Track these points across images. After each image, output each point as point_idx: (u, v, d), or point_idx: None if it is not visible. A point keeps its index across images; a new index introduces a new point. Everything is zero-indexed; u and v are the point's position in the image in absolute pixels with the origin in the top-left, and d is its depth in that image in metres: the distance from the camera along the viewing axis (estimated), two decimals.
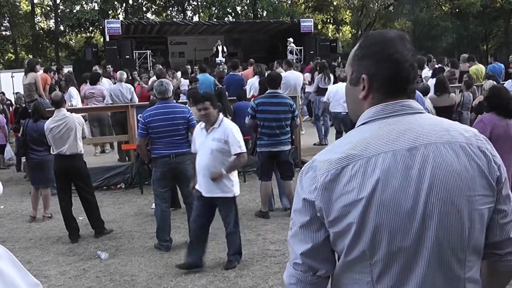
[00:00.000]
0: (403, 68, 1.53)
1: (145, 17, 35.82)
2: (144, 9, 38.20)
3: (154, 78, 12.57)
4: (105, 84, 12.22)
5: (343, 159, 1.48)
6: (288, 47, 22.41)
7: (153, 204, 6.77)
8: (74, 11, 32.50)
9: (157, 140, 5.96)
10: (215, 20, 31.30)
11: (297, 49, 23.21)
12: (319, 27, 38.15)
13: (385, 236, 1.43)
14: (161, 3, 38.37)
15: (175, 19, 35.52)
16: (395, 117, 1.52)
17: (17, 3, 34.99)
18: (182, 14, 38.56)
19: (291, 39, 22.54)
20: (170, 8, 39.57)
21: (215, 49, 21.75)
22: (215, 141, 5.24)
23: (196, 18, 37.56)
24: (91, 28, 35.97)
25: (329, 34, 39.99)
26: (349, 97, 1.69)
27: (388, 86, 1.55)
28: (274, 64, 14.22)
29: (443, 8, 38.28)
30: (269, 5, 33.11)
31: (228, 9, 35.02)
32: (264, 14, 35.63)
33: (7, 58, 37.95)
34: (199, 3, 37.46)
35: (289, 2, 37.43)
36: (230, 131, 5.27)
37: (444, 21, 34.68)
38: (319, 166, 1.52)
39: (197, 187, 5.45)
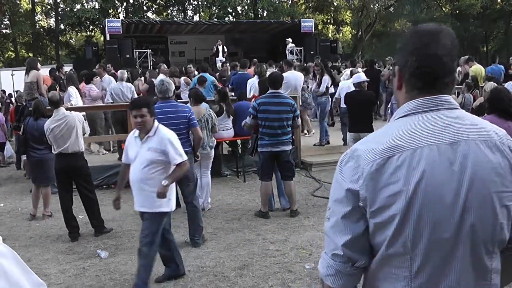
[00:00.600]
0: (432, 62, 1.56)
1: (145, 16, 35.83)
2: (145, 8, 38.23)
3: (162, 76, 12.56)
4: (105, 81, 12.19)
5: (389, 150, 1.50)
6: (288, 47, 22.42)
7: None
8: (75, 9, 32.53)
9: None
10: (215, 19, 31.34)
11: (297, 49, 23.22)
12: (320, 27, 38.18)
13: (427, 228, 1.46)
14: (162, 2, 38.40)
15: (175, 19, 35.60)
16: (436, 112, 1.56)
17: (18, 1, 35.00)
18: (182, 14, 38.60)
19: (289, 39, 22.55)
20: (171, 8, 39.61)
21: (215, 49, 21.76)
22: (151, 151, 4.76)
23: (196, 18, 37.62)
24: (91, 27, 36.00)
25: (329, 35, 40.02)
26: (393, 88, 1.75)
27: (416, 78, 1.59)
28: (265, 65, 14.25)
29: (444, 9, 38.30)
30: (270, 5, 33.14)
31: (228, 9, 35.07)
32: (265, 14, 35.67)
33: (7, 56, 37.98)
34: (200, 3, 37.52)
35: (290, 2, 37.45)
36: (167, 140, 4.80)
37: (444, 22, 34.70)
38: (364, 155, 1.54)
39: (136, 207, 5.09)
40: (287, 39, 22.61)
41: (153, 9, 39.13)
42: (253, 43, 27.92)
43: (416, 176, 1.46)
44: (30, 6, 35.58)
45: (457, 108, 1.59)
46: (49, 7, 37.68)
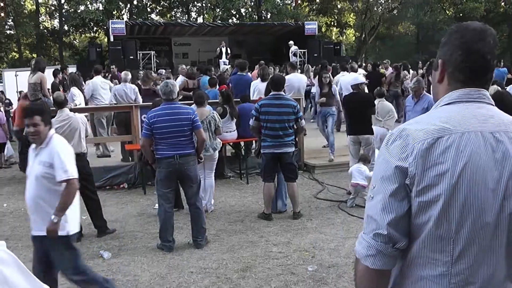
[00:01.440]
0: (475, 58, 1.62)
1: (149, 18, 35.84)
2: (149, 9, 38.25)
3: (181, 78, 12.53)
4: (94, 83, 12.01)
5: (439, 131, 1.55)
6: (291, 50, 22.43)
7: (156, 205, 6.78)
8: (79, 11, 32.60)
9: (161, 141, 5.97)
10: (219, 21, 31.34)
11: (300, 51, 23.23)
12: (323, 30, 38.15)
13: (472, 210, 1.50)
14: (166, 4, 38.42)
15: (179, 20, 35.59)
16: (479, 103, 1.62)
17: (22, 2, 35.10)
18: (186, 15, 38.65)
19: (291, 42, 22.55)
20: (175, 9, 39.65)
21: (219, 51, 21.78)
22: (41, 165, 4.09)
23: (200, 20, 37.64)
24: (95, 28, 36.05)
25: (333, 37, 40.00)
26: (433, 81, 1.81)
27: (459, 72, 1.64)
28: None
29: (447, 12, 38.28)
30: (274, 7, 33.16)
31: (232, 11, 35.10)
32: (269, 16, 35.67)
33: (11, 57, 38.06)
34: (204, 5, 37.53)
35: (294, 4, 37.46)
36: (56, 152, 4.08)
37: (447, 25, 34.67)
38: (413, 134, 1.57)
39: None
40: (289, 42, 22.61)
41: (157, 10, 39.16)
42: (257, 45, 27.94)
43: (464, 159, 1.50)
44: (34, 7, 35.68)
45: (493, 104, 1.65)
46: (53, 8, 37.78)
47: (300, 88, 11.41)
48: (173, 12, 39.73)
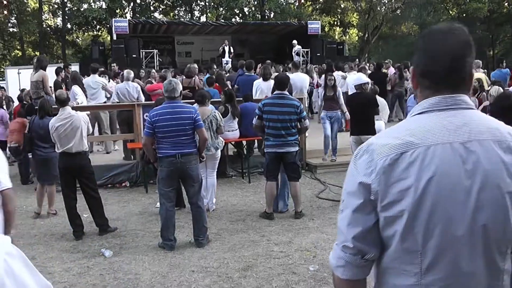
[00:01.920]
0: (438, 61, 1.58)
1: (152, 17, 35.86)
2: (152, 8, 38.25)
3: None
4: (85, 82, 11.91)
5: (403, 145, 1.52)
6: (294, 49, 22.43)
7: (158, 203, 6.78)
8: (82, 9, 32.61)
9: (163, 140, 5.96)
10: (222, 20, 31.35)
11: (303, 51, 23.22)
12: (326, 29, 38.13)
13: (439, 224, 1.47)
14: (169, 2, 38.42)
15: (182, 19, 35.61)
16: (452, 111, 1.56)
17: (25, 0, 35.13)
18: (189, 14, 38.65)
19: (295, 42, 22.56)
20: (178, 8, 39.65)
21: (221, 49, 21.78)
22: None
23: (203, 18, 37.65)
24: (98, 26, 36.07)
25: (336, 37, 39.98)
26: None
27: (424, 78, 1.62)
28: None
29: (450, 12, 38.21)
30: (277, 7, 33.14)
31: (235, 10, 35.08)
32: (272, 15, 35.66)
33: (14, 54, 38.11)
34: (207, 3, 37.55)
35: (297, 4, 37.44)
36: None
37: None
38: (378, 150, 1.56)
39: None
40: (293, 41, 22.61)
41: (160, 9, 39.16)
42: (260, 45, 27.93)
43: (428, 173, 1.47)
44: (38, 5, 35.71)
45: (473, 109, 1.60)
46: (56, 6, 37.78)
47: (302, 88, 11.41)
48: (176, 11, 39.74)
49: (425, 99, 1.61)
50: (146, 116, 7.61)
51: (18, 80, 19.65)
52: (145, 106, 9.66)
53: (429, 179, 1.47)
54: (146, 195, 8.94)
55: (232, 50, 22.17)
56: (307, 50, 23.74)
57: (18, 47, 37.26)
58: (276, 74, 9.71)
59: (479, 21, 36.04)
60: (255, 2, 35.96)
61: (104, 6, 33.39)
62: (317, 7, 38.65)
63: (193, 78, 11.73)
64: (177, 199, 6.82)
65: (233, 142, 9.78)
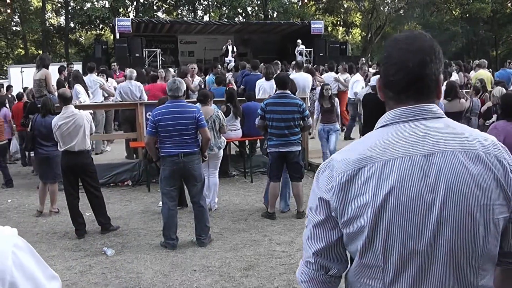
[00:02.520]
0: (398, 70, 1.52)
1: (155, 16, 35.91)
2: (155, 7, 38.31)
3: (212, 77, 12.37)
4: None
5: (361, 160, 1.48)
6: (297, 49, 22.44)
7: (160, 202, 6.78)
8: (85, 8, 32.68)
9: (166, 139, 5.96)
10: (225, 20, 31.37)
11: (306, 50, 23.23)
12: (329, 29, 38.13)
13: (398, 240, 1.42)
14: (172, 2, 38.47)
15: (185, 18, 35.65)
16: (415, 122, 1.51)
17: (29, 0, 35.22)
18: (192, 14, 38.69)
19: (299, 41, 22.59)
20: (181, 7, 39.70)
21: (224, 49, 21.80)
22: None
23: (206, 18, 37.68)
24: (101, 25, 36.13)
25: (339, 37, 39.98)
26: None
27: (386, 88, 1.57)
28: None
29: (453, 12, 38.18)
30: (280, 6, 33.18)
31: (238, 9, 35.11)
32: (275, 15, 35.68)
33: (17, 53, 38.19)
34: (210, 3, 37.57)
35: (300, 3, 37.45)
36: None
37: (454, 26, 34.62)
38: (336, 165, 1.52)
39: None
40: (297, 41, 22.63)
41: (163, 8, 39.20)
42: (263, 44, 27.96)
43: (385, 189, 1.42)
44: (41, 4, 35.78)
45: (441, 117, 1.53)
46: (59, 5, 37.85)
47: (305, 87, 11.40)
48: (179, 10, 39.78)
49: (389, 109, 1.57)
50: (149, 115, 7.61)
51: (21, 78, 19.70)
52: (148, 105, 9.67)
53: (386, 194, 1.42)
54: (148, 194, 8.95)
55: (235, 50, 22.18)
56: (310, 50, 23.75)
57: (21, 46, 37.35)
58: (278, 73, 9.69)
59: (482, 21, 36.02)
60: (258, 2, 35.99)
61: (107, 5, 33.47)
62: (320, 6, 38.65)
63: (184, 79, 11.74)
64: (179, 198, 6.82)
65: (235, 142, 9.79)
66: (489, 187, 1.44)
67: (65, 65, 14.49)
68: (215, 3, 35.78)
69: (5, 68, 29.15)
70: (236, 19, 34.21)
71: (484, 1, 33.43)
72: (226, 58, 21.59)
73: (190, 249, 6.10)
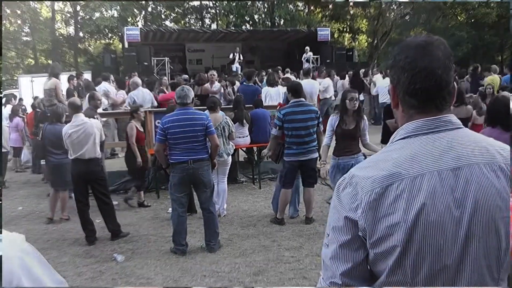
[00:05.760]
0: (425, 77, 1.46)
1: (163, 25, 36.09)
2: (163, 16, 38.51)
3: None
4: None
5: (388, 177, 1.43)
6: (305, 56, 22.50)
7: (170, 209, 6.83)
8: (94, 18, 32.91)
9: (175, 146, 6.01)
10: (232, 28, 31.47)
11: (313, 57, 23.28)
12: (336, 36, 38.10)
13: (428, 257, 1.40)
14: (180, 11, 38.67)
15: (193, 27, 35.79)
16: (437, 133, 1.47)
17: (38, 10, 35.52)
18: (200, 22, 38.86)
19: (308, 48, 22.65)
20: (189, 16, 39.88)
21: (232, 56, 21.89)
22: None
23: (214, 26, 37.81)
24: (110, 34, 36.36)
25: (345, 43, 39.98)
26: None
27: (411, 96, 1.50)
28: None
29: (459, 18, 38.10)
30: (287, 14, 33.26)
31: (246, 17, 35.23)
32: (282, 22, 35.77)
33: (27, 63, 38.49)
34: (217, 11, 37.74)
35: (306, 10, 37.52)
36: None
37: (459, 31, 34.54)
38: (361, 183, 1.46)
39: None
40: (306, 48, 22.69)
41: (171, 17, 39.40)
42: (270, 51, 28.00)
43: (416, 206, 1.38)
44: (50, 14, 36.07)
45: (460, 128, 1.50)
46: (68, 15, 38.15)
47: (312, 94, 11.46)
48: (187, 19, 39.96)
49: (408, 120, 1.52)
50: (158, 122, 7.67)
51: (31, 88, 19.86)
52: (157, 113, 9.74)
53: (418, 212, 1.38)
54: (157, 200, 9.01)
55: (241, 57, 22.25)
56: (316, 56, 23.79)
57: (31, 56, 37.64)
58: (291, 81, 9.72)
59: (488, 26, 35.91)
60: (265, 10, 36.10)
61: (115, 15, 33.68)
62: (327, 13, 38.66)
63: (203, 86, 11.81)
64: (189, 205, 6.87)
65: (244, 148, 9.83)
66: (509, 198, 1.44)
67: (74, 74, 14.61)
68: (223, 11, 35.93)
69: (15, 78, 29.36)
70: (244, 27, 34.29)
71: (489, 6, 33.37)
72: (232, 65, 21.68)
73: (199, 254, 6.14)
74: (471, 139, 1.48)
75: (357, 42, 43.01)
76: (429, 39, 1.51)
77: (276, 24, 35.77)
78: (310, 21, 34.62)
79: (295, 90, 7.10)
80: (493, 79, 12.97)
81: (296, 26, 32.31)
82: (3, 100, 14.88)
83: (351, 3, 37.41)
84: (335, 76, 16.91)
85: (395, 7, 37.58)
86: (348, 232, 1.47)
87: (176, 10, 38.64)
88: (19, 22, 34.34)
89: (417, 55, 1.47)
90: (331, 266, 1.52)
